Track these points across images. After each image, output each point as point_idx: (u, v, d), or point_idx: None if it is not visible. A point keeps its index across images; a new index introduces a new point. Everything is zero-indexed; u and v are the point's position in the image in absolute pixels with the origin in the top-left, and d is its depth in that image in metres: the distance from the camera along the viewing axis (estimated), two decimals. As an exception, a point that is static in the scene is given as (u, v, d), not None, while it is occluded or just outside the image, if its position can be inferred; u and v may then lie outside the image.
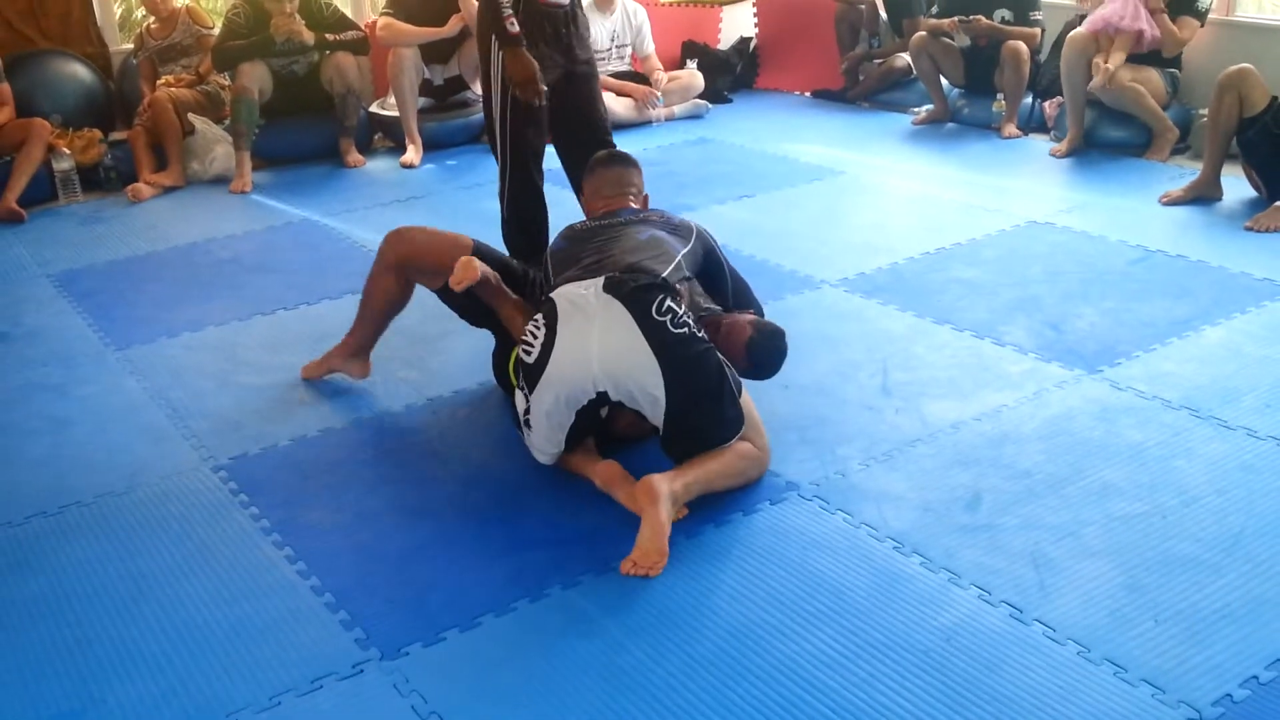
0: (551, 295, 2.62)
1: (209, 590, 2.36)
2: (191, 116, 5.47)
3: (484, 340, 3.53)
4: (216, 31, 5.63)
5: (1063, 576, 2.26)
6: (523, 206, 3.85)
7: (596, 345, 2.51)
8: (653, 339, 2.48)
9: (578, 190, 4.05)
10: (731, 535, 2.46)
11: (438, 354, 3.46)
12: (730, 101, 6.70)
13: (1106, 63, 5.01)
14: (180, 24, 5.66)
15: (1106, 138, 5.28)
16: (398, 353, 3.47)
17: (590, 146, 4.00)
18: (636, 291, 2.54)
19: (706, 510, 2.54)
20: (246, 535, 2.55)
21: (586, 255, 2.75)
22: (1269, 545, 2.32)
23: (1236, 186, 4.54)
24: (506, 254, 3.86)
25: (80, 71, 5.72)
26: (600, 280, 2.59)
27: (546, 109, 3.72)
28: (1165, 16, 5.05)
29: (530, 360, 2.57)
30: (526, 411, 2.64)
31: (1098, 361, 3.16)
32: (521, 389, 2.65)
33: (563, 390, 2.54)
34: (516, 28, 3.52)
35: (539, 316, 2.60)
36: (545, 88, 3.57)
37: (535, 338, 2.57)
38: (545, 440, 2.63)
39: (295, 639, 2.20)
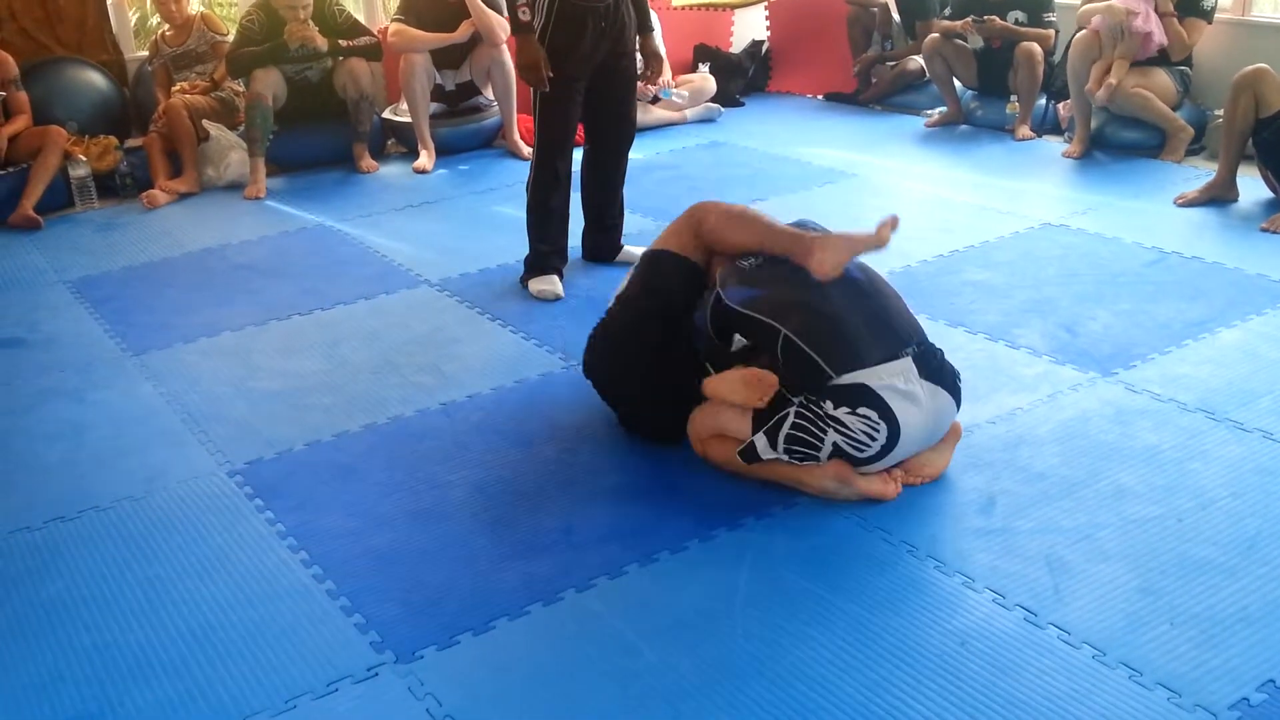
0: (870, 385, 2.48)
1: (225, 594, 2.37)
2: (206, 123, 5.50)
3: (497, 345, 3.56)
4: (231, 38, 5.66)
5: (1078, 580, 2.25)
6: (543, 193, 3.90)
7: (920, 434, 2.56)
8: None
9: (592, 185, 4.08)
10: (745, 539, 2.46)
11: (451, 359, 3.47)
12: (743, 105, 6.71)
13: (1110, 76, 5.00)
14: (195, 31, 5.69)
15: (1121, 139, 5.26)
16: (412, 357, 3.49)
17: (618, 144, 4.05)
18: (946, 372, 2.62)
19: (721, 514, 2.54)
20: (262, 539, 2.57)
21: (838, 312, 2.58)
22: (1286, 548, 2.31)
23: (1252, 187, 4.52)
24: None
25: (96, 79, 5.75)
26: (909, 363, 2.54)
27: (578, 101, 3.76)
28: (1174, 20, 5.04)
29: (861, 456, 2.52)
30: (793, 459, 2.55)
31: (1112, 364, 3.15)
32: (804, 453, 2.53)
33: (878, 465, 2.57)
34: (527, 16, 3.56)
35: (876, 420, 2.47)
36: (551, 75, 3.59)
37: (873, 440, 2.49)
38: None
39: (311, 642, 2.21)
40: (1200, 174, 4.81)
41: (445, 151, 5.81)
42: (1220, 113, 5.09)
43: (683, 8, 6.84)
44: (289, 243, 4.69)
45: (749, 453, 2.58)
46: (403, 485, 2.76)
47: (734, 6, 7.00)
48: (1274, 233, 4.14)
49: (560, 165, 3.88)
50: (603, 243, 4.21)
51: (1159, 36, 5.04)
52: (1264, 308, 3.47)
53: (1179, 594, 2.19)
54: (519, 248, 4.08)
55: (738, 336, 2.79)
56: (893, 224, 2.62)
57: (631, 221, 4.52)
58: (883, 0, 6.58)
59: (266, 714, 2.03)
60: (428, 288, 4.08)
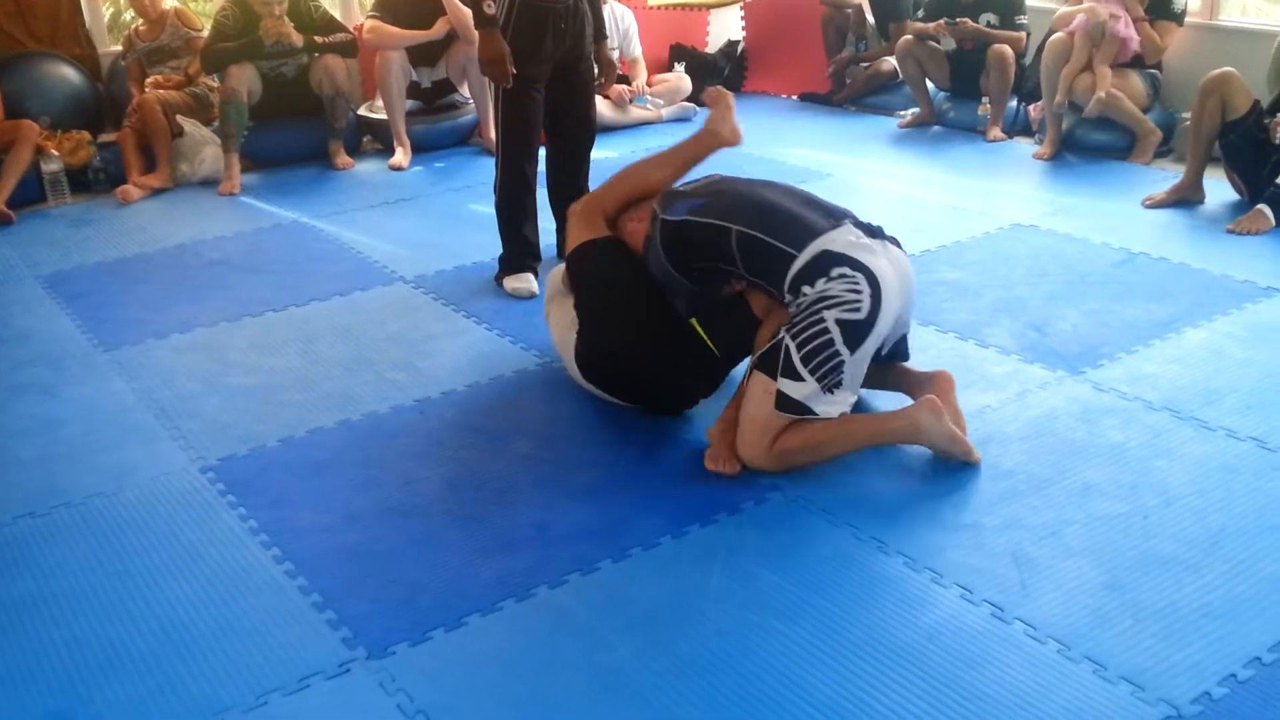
0: (830, 249, 2.56)
1: (197, 590, 2.37)
2: (180, 118, 5.48)
3: (471, 342, 3.57)
4: (205, 34, 5.64)
5: (1044, 575, 2.28)
6: (512, 196, 3.92)
7: (897, 283, 2.61)
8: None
9: (556, 186, 4.10)
10: (717, 535, 2.48)
11: (426, 356, 3.47)
12: (718, 104, 6.71)
13: (1096, 88, 5.06)
14: (169, 26, 5.66)
15: (1090, 141, 5.32)
16: (387, 354, 3.49)
17: (578, 145, 4.07)
18: (887, 234, 2.73)
19: (694, 511, 2.56)
20: (234, 536, 2.56)
21: (777, 200, 2.74)
22: (1248, 545, 2.35)
23: (1219, 189, 4.57)
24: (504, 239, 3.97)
25: (69, 73, 5.71)
26: (851, 225, 2.66)
27: (540, 103, 3.78)
28: (1147, 25, 5.11)
29: (861, 316, 2.52)
30: (830, 380, 2.53)
31: (1080, 363, 3.19)
32: (824, 357, 2.51)
33: (883, 329, 2.60)
34: (492, 10, 3.57)
35: (850, 272, 2.52)
36: (513, 71, 3.60)
37: (859, 293, 2.52)
38: (853, 391, 2.62)
39: (282, 638, 2.21)
40: (1168, 176, 4.87)
41: (421, 148, 5.81)
42: (1188, 115, 5.16)
43: (658, 7, 6.86)
44: (263, 239, 4.68)
45: (786, 403, 2.54)
46: (376, 481, 2.77)
47: (709, 6, 7.02)
48: (1239, 234, 4.19)
49: (526, 165, 3.89)
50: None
51: (1134, 41, 5.10)
52: (1229, 308, 3.52)
53: (1143, 589, 2.23)
54: (494, 245, 4.08)
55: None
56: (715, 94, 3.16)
57: (606, 220, 4.54)
58: (857, 1, 6.62)
59: (237, 710, 2.03)
60: (403, 284, 4.08)
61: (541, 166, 4.03)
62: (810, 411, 2.55)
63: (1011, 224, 4.35)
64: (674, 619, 2.21)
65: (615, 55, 6.27)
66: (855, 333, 2.52)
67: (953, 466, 2.70)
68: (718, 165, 3.17)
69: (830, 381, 2.54)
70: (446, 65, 5.82)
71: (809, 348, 2.52)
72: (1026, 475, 2.65)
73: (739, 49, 7.05)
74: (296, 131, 5.75)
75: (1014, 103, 5.77)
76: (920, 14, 6.03)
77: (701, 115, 6.40)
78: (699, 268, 2.79)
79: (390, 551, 2.47)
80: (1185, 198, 4.54)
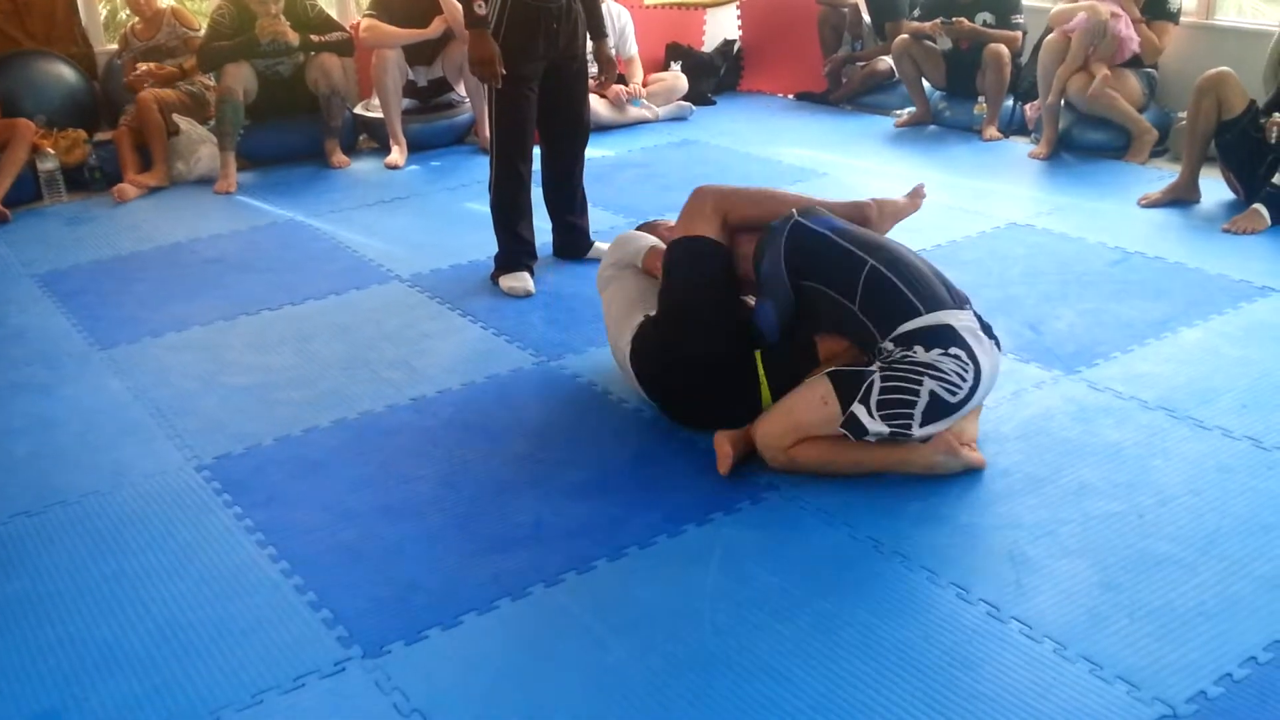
0: (954, 326, 2.58)
1: (192, 589, 2.37)
2: (176, 117, 5.47)
3: (466, 341, 3.57)
4: (202, 33, 5.63)
5: (1040, 575, 2.28)
6: (507, 196, 3.91)
7: (988, 384, 2.64)
8: None
9: (550, 185, 4.10)
10: (714, 534, 2.48)
11: (422, 355, 3.47)
12: (714, 103, 6.73)
13: (1093, 77, 5.07)
14: (165, 25, 5.65)
15: (1086, 140, 5.32)
16: (382, 353, 3.48)
17: (572, 144, 4.07)
18: (993, 334, 2.72)
19: (690, 510, 2.56)
20: (230, 534, 2.56)
21: (915, 260, 2.73)
22: (1243, 544, 2.35)
23: (1214, 189, 4.58)
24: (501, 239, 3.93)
25: (65, 72, 5.70)
26: (972, 315, 2.67)
27: (533, 102, 3.78)
28: (1144, 25, 5.12)
29: (954, 400, 2.54)
30: (892, 429, 2.56)
31: (1076, 362, 3.19)
32: (899, 414, 2.54)
33: (957, 418, 2.61)
34: (483, 10, 3.57)
35: (965, 358, 2.55)
36: (504, 72, 3.60)
37: (964, 380, 2.54)
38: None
39: (278, 637, 2.21)
40: (1164, 175, 4.87)
41: (417, 147, 5.80)
42: (1184, 114, 5.16)
43: (655, 6, 6.85)
44: (260, 237, 4.67)
45: (853, 425, 2.55)
46: (372, 480, 2.76)
47: (706, 6, 7.02)
48: (1235, 233, 4.20)
49: (520, 164, 3.88)
50: (570, 239, 4.22)
51: (1133, 41, 5.10)
52: (1224, 307, 3.52)
53: (1139, 589, 2.23)
54: (490, 244, 4.08)
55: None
56: (921, 191, 3.00)
57: (603, 219, 4.54)
58: (853, 1, 6.63)
59: (233, 709, 2.03)
60: (399, 283, 4.08)
61: (536, 165, 4.02)
62: (866, 434, 2.57)
63: (1008, 223, 4.35)
64: (670, 618, 2.21)
65: (613, 54, 6.27)
66: (939, 411, 2.55)
67: (949, 466, 2.70)
68: (711, 165, 3.15)
69: (891, 426, 2.56)
70: (443, 64, 5.82)
71: (892, 398, 2.53)
72: (1022, 475, 2.65)
73: (735, 48, 7.05)
74: (293, 130, 5.75)
75: (1010, 102, 5.78)
76: (916, 13, 6.03)
77: (698, 114, 6.41)
78: (808, 285, 2.73)
79: (386, 550, 2.47)
80: (1181, 197, 4.55)
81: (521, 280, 3.93)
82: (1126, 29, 5.09)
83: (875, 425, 2.54)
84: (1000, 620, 2.16)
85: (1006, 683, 2.01)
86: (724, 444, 2.70)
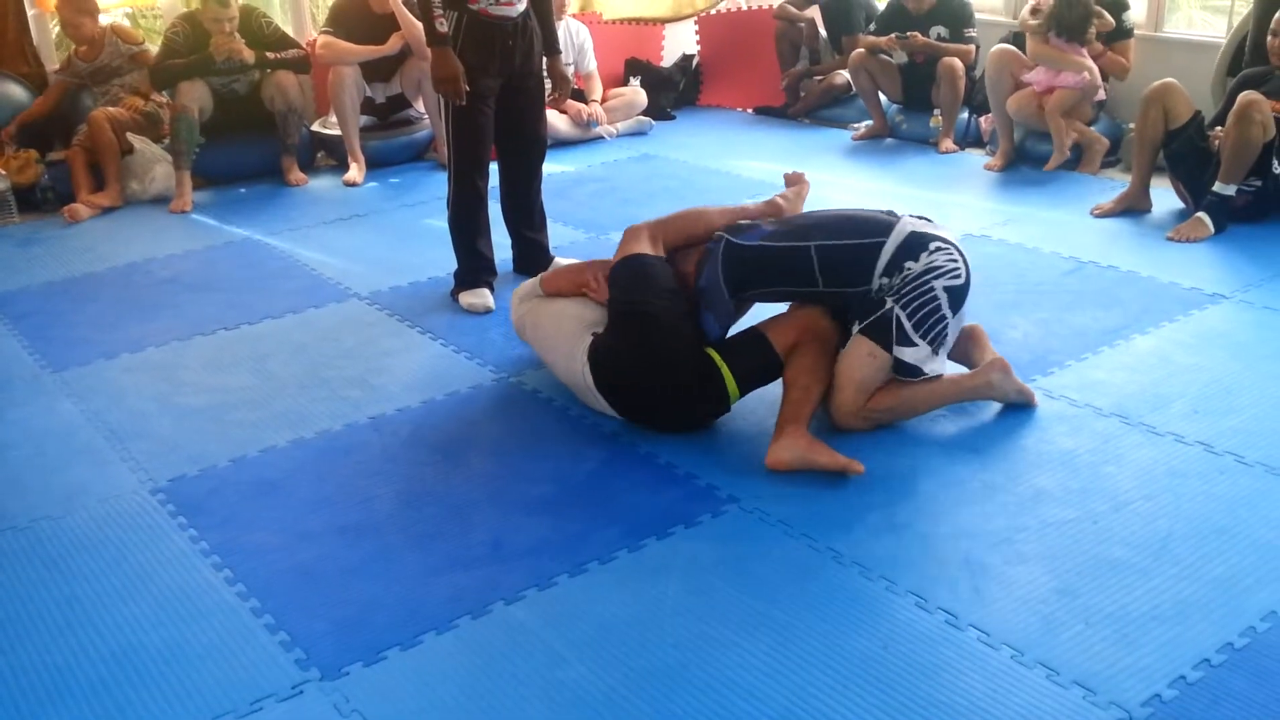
0: (915, 230, 2.84)
1: (147, 614, 2.33)
2: (130, 136, 5.42)
3: (426, 358, 3.55)
4: (147, 48, 5.58)
5: (997, 582, 2.30)
6: (465, 212, 3.91)
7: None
8: None
9: (508, 200, 4.10)
10: (674, 548, 2.48)
11: (380, 372, 3.45)
12: (673, 118, 6.75)
13: (1034, 96, 5.16)
14: (108, 44, 5.56)
15: (1040, 152, 5.38)
16: (341, 371, 3.46)
17: (528, 160, 4.07)
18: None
19: (650, 524, 2.56)
20: (185, 557, 2.53)
21: (840, 212, 3.04)
22: (1195, 548, 2.38)
23: (1165, 198, 4.65)
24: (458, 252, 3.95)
25: (15, 91, 5.62)
26: (909, 216, 2.93)
27: (490, 118, 3.78)
28: (1109, 53, 5.19)
29: (961, 281, 2.82)
30: (937, 342, 2.81)
31: (1031, 371, 3.23)
32: (934, 322, 2.78)
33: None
34: (444, 27, 3.57)
35: (945, 244, 2.83)
36: (468, 89, 3.60)
37: (957, 261, 2.83)
38: (948, 350, 2.90)
39: (235, 661, 2.18)
40: (1115, 185, 4.94)
41: (375, 164, 5.78)
42: (1134, 125, 5.24)
43: (614, 22, 6.88)
44: (216, 256, 4.63)
45: (904, 369, 2.79)
46: (329, 500, 2.74)
47: (664, 21, 7.06)
48: (1179, 241, 4.26)
49: (478, 180, 3.88)
50: (530, 254, 4.21)
51: (1080, 80, 5.14)
52: (1175, 314, 3.57)
53: (1094, 594, 2.25)
54: (449, 260, 4.07)
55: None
56: (799, 176, 3.30)
57: (563, 234, 4.54)
58: (810, 15, 6.68)
59: (189, 734, 2.00)
60: (357, 301, 4.05)
61: (494, 181, 4.02)
62: (922, 373, 2.80)
63: (963, 234, 4.38)
64: (631, 633, 2.20)
65: (570, 70, 6.27)
66: (958, 297, 2.82)
67: (906, 475, 2.72)
68: (671, 179, 3.16)
69: (938, 344, 2.80)
70: (401, 80, 5.80)
71: (920, 314, 2.77)
72: (979, 483, 2.67)
73: (694, 63, 7.09)
74: (249, 148, 5.71)
75: (965, 114, 5.85)
76: (872, 27, 6.09)
77: (658, 129, 6.44)
78: (753, 294, 2.99)
79: (344, 571, 2.45)
80: (1132, 206, 4.61)
81: (481, 296, 3.92)
82: (1094, 76, 5.15)
83: (920, 350, 2.77)
84: (958, 628, 2.17)
85: (965, 690, 2.02)
86: (791, 460, 2.72)
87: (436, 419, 3.14)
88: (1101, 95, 5.24)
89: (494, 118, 3.82)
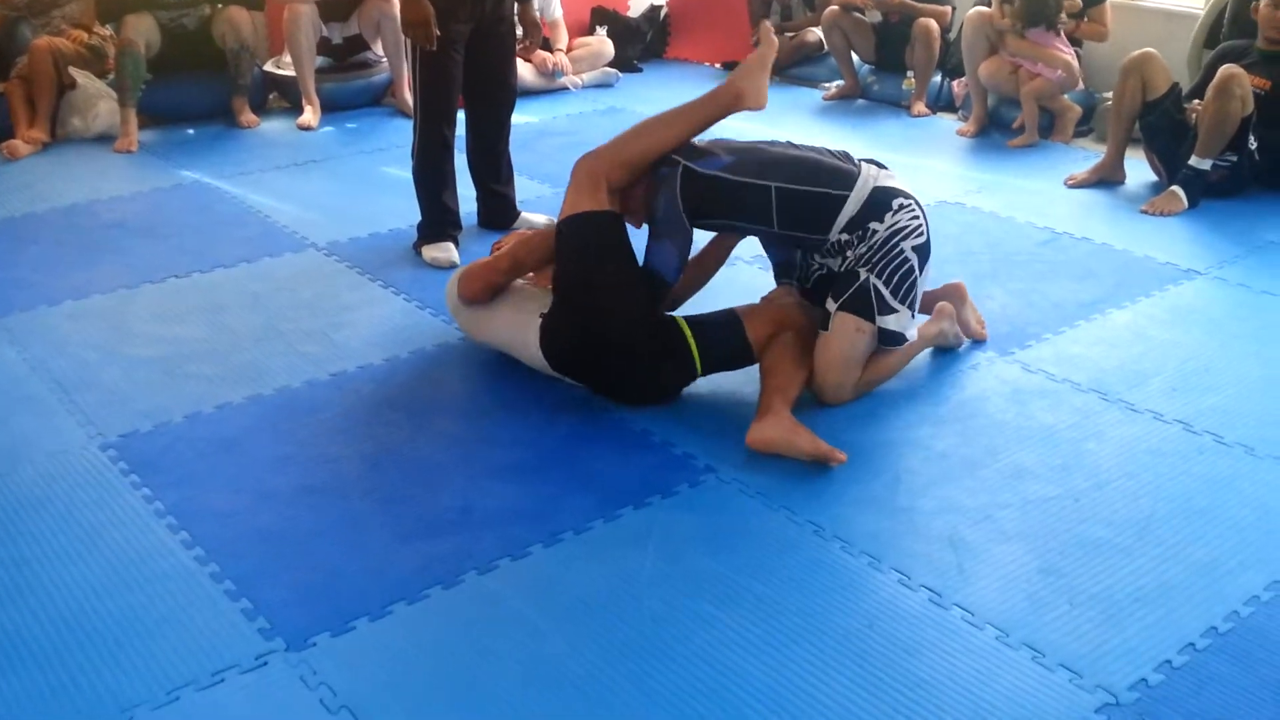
0: (878, 185, 2.77)
1: (99, 578, 2.22)
2: (73, 70, 5.19)
3: (388, 314, 3.44)
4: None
5: (980, 560, 2.26)
6: (431, 162, 3.78)
7: None
8: None
9: (476, 152, 3.96)
10: (651, 518, 2.41)
11: (341, 327, 3.33)
12: (640, 71, 6.62)
13: (1007, 63, 5.11)
14: (49, -29, 5.32)
15: (1013, 118, 5.33)
16: (299, 325, 3.34)
17: (498, 110, 3.94)
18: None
19: (626, 493, 2.48)
20: (139, 518, 2.42)
21: (801, 154, 2.85)
22: (1177, 529, 2.36)
23: (1139, 170, 4.62)
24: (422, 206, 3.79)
25: (-50, 19, 5.36)
26: (868, 164, 2.85)
27: (460, 65, 3.64)
28: (1085, 23, 5.13)
29: (925, 238, 2.77)
30: (911, 303, 2.77)
31: (1009, 344, 3.19)
32: (909, 284, 2.74)
33: None
34: None
35: (906, 201, 2.77)
36: (438, 33, 3.46)
37: (918, 217, 2.78)
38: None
39: (194, 629, 2.08)
40: (1088, 155, 4.92)
41: (331, 108, 5.61)
42: (1107, 95, 5.21)
43: (580, -32, 6.70)
44: (163, 200, 4.46)
45: (889, 338, 2.77)
46: (291, 460, 2.63)
47: (632, -31, 6.90)
48: (1152, 214, 4.24)
49: (445, 129, 3.75)
50: (496, 208, 4.09)
51: (1052, 73, 5.09)
52: (1151, 289, 3.55)
53: (1078, 575, 2.22)
54: (411, 211, 3.94)
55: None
56: (768, 26, 2.97)
57: (529, 188, 4.42)
58: (782, -30, 6.56)
59: (147, 707, 1.90)
60: (314, 251, 3.92)
61: (460, 131, 3.88)
62: (905, 339, 2.79)
63: (937, 201, 4.34)
64: (608, 605, 2.14)
65: (538, 17, 6.09)
66: (924, 254, 2.78)
67: (885, 449, 2.67)
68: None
69: (913, 305, 2.78)
70: (359, 21, 5.61)
71: (896, 279, 2.73)
72: (960, 458, 2.63)
73: (662, 14, 6.94)
74: (198, 87, 5.50)
75: (938, 78, 5.78)
76: (846, -15, 5.97)
77: (624, 81, 6.30)
78: (717, 223, 2.90)
79: (308, 535, 2.35)
80: (1106, 177, 4.59)
81: (445, 251, 3.80)
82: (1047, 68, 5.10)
83: (902, 316, 2.74)
84: (942, 607, 2.13)
85: (949, 670, 1.98)
86: (774, 440, 2.59)
87: (401, 378, 3.04)
88: (1079, 85, 5.17)
89: (463, 64, 3.67)
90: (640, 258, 2.82)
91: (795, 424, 2.60)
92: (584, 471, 2.58)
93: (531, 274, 3.06)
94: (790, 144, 2.93)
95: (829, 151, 2.89)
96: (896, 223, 2.75)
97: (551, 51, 6.06)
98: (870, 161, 2.88)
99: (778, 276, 3.09)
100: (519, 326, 2.91)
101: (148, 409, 2.86)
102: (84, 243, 4.00)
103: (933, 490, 2.50)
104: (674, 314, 2.86)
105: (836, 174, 2.78)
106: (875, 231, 2.74)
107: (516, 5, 3.83)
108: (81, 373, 3.05)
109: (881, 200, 2.76)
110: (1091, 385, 2.95)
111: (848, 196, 2.74)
